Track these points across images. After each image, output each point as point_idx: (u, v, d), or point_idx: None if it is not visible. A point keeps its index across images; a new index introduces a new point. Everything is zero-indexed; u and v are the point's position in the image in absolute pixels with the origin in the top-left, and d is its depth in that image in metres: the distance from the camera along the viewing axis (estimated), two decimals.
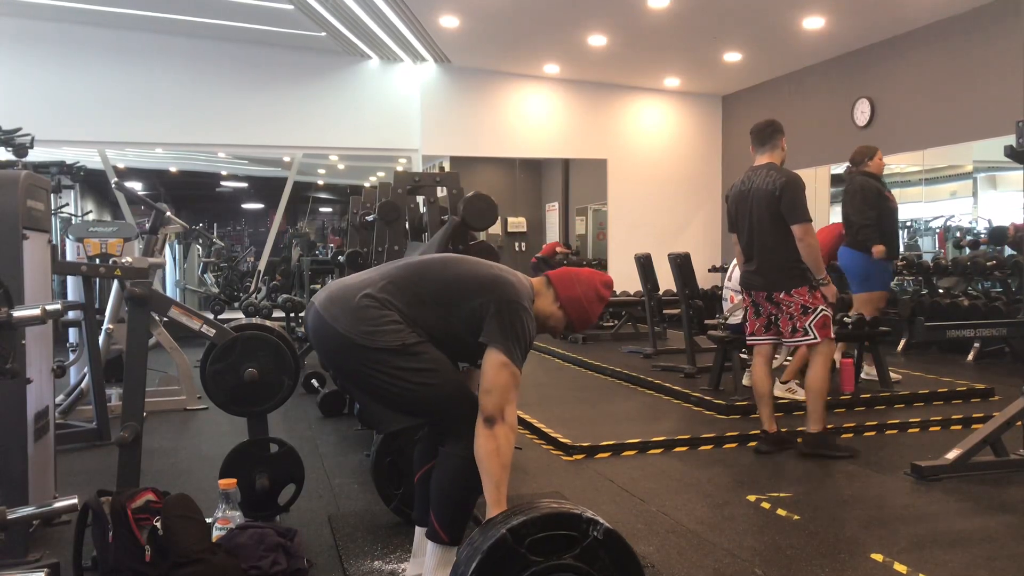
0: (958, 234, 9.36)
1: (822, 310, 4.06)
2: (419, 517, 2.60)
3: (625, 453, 4.28)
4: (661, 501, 3.48)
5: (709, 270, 11.12)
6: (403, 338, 2.29)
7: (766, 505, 3.41)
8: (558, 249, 12.46)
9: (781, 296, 4.11)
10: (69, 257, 5.30)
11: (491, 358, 2.27)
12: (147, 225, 5.63)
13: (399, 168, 11.05)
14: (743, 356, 5.47)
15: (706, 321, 6.06)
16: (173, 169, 15.69)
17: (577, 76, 10.82)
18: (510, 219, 14.89)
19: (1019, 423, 3.84)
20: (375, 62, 10.39)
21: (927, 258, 8.65)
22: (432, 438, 2.54)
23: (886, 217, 5.56)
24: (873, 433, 4.66)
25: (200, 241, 12.71)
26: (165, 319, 3.24)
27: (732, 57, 9.68)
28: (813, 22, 8.19)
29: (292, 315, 8.22)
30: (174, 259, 11.80)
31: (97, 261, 4.92)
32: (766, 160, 4.21)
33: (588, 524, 1.93)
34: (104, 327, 5.18)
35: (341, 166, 14.29)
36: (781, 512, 3.31)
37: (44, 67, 9.36)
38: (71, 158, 7.57)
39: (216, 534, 2.72)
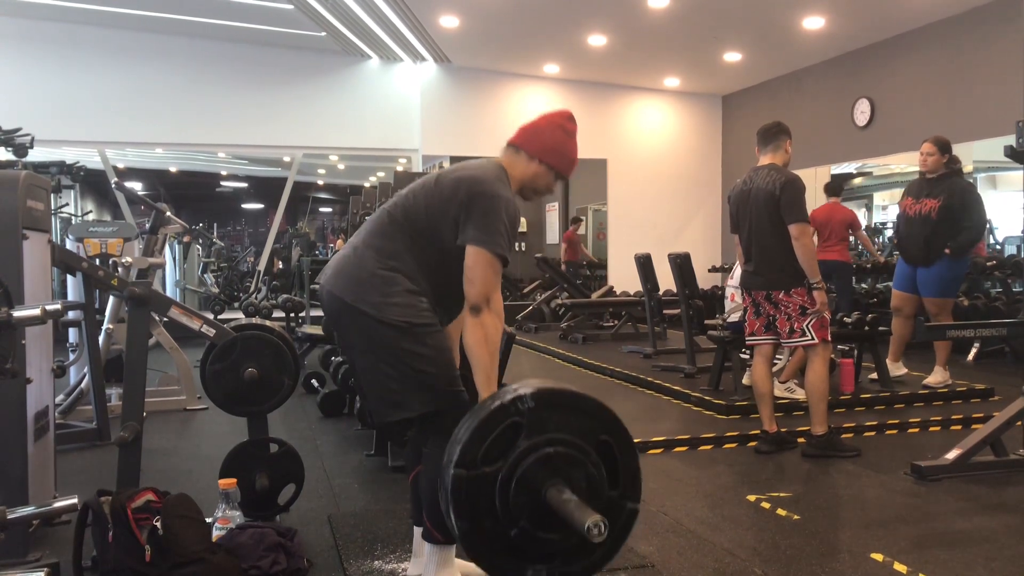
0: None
1: (820, 311, 4.06)
2: (415, 517, 2.59)
3: None
4: (661, 501, 3.48)
5: (709, 270, 11.12)
6: (410, 315, 2.27)
7: (766, 505, 3.41)
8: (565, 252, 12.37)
9: (780, 296, 4.11)
10: None
11: (469, 252, 2.27)
12: (147, 225, 5.63)
13: (399, 168, 11.06)
14: (743, 356, 5.47)
15: (706, 321, 6.06)
16: (173, 169, 15.72)
17: (577, 76, 10.81)
18: None
19: (1019, 423, 3.85)
20: (375, 62, 10.40)
21: None
22: (419, 438, 2.51)
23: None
24: (873, 433, 4.66)
25: (200, 241, 12.72)
26: (165, 319, 3.24)
27: (732, 57, 9.68)
28: (813, 22, 8.19)
29: (292, 315, 8.23)
30: (174, 259, 11.81)
31: (97, 261, 4.93)
32: (769, 161, 4.22)
33: (515, 404, 1.90)
34: (104, 327, 5.18)
35: (341, 166, 14.30)
36: (781, 512, 3.31)
37: (44, 67, 9.36)
38: (71, 158, 7.59)
39: (216, 534, 2.72)
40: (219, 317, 8.80)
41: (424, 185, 2.43)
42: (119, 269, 4.94)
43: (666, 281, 7.00)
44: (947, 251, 5.34)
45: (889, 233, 12.55)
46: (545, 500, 1.86)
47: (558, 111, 2.56)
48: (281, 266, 11.76)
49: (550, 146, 2.47)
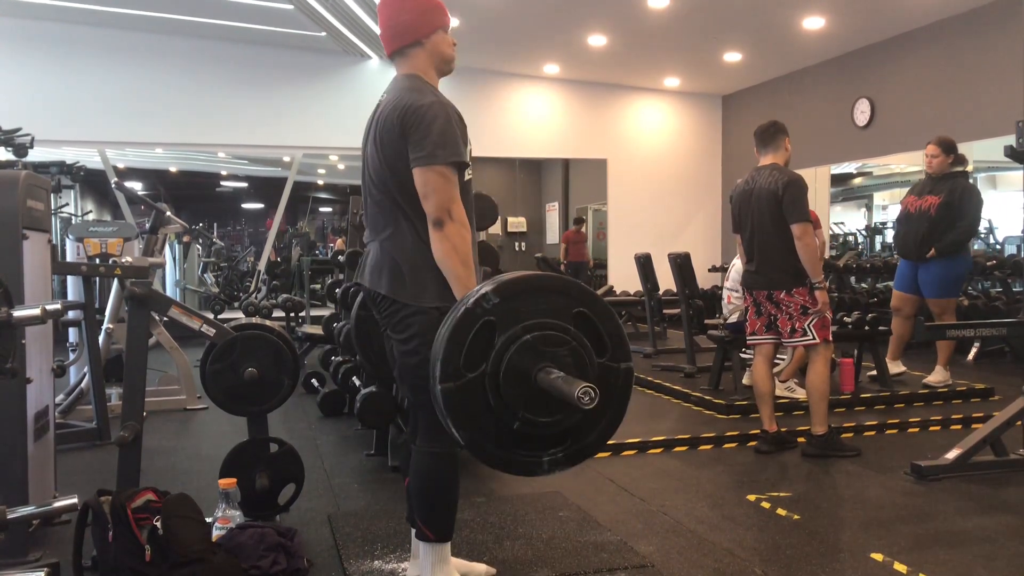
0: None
1: (821, 311, 4.06)
2: (410, 519, 2.59)
3: (625, 453, 4.28)
4: (661, 501, 3.48)
5: (709, 270, 11.12)
6: (440, 301, 2.20)
7: (766, 505, 3.41)
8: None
9: (781, 296, 4.11)
10: (69, 257, 5.30)
11: (416, 175, 2.21)
12: (147, 225, 5.63)
13: None
14: (743, 356, 5.47)
15: (706, 321, 6.06)
16: (173, 169, 15.71)
17: (577, 76, 10.81)
18: (510, 219, 14.89)
19: (1019, 423, 3.85)
20: (375, 62, 10.39)
21: None
22: (411, 437, 2.49)
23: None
24: (873, 433, 4.66)
25: (200, 241, 12.72)
26: (165, 319, 3.24)
27: (732, 57, 9.68)
28: (813, 22, 8.19)
29: (292, 315, 8.23)
30: (174, 259, 11.80)
31: (97, 261, 4.93)
32: (770, 160, 4.23)
33: (480, 304, 1.87)
34: (104, 327, 5.18)
35: (341, 166, 14.29)
36: (781, 512, 3.32)
37: (44, 67, 9.35)
38: (71, 158, 7.56)
39: (216, 534, 2.72)
40: (219, 317, 8.80)
41: (370, 149, 2.35)
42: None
43: (666, 281, 7.00)
44: (931, 253, 5.35)
45: (890, 233, 12.56)
46: (537, 386, 1.85)
47: None
48: (278, 258, 11.70)
49: (413, 19, 2.34)
